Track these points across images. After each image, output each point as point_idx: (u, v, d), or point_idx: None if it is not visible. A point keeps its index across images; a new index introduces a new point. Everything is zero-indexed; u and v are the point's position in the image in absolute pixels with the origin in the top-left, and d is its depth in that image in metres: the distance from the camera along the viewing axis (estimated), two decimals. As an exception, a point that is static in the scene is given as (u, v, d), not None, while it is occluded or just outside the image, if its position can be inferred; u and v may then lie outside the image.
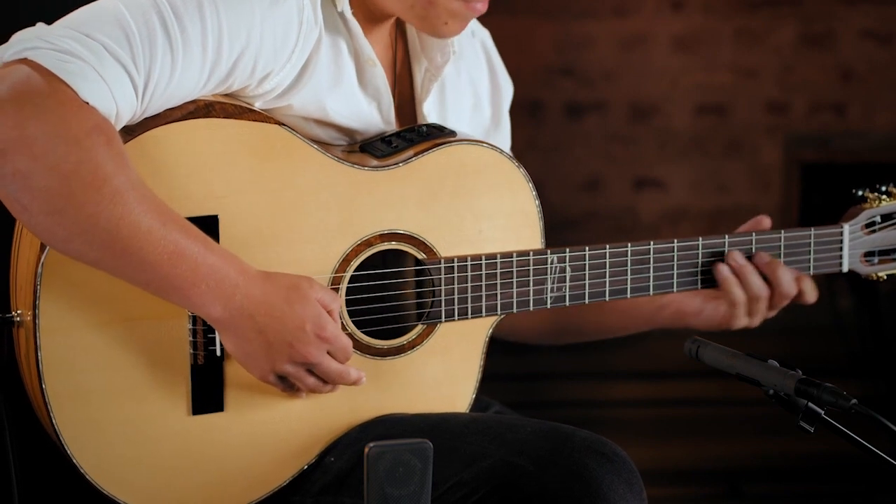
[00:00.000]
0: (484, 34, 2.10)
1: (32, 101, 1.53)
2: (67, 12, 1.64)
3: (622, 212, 4.93)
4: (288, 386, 1.73)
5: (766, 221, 2.01)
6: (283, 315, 1.66)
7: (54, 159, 1.53)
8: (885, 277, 2.10)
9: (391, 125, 1.90)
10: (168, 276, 1.60)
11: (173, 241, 1.59)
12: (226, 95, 1.75)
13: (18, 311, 1.70)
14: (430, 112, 1.96)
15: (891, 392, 4.28)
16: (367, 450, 1.48)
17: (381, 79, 1.85)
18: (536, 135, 4.91)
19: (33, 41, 1.57)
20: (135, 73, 1.59)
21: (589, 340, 2.16)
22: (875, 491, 3.70)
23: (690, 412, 4.26)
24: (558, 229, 4.50)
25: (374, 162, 1.81)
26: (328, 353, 1.70)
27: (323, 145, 1.79)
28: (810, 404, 1.58)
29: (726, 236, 1.98)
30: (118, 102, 1.59)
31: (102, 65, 1.57)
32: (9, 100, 1.53)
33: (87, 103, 1.56)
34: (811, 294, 1.99)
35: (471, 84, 2.06)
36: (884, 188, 2.07)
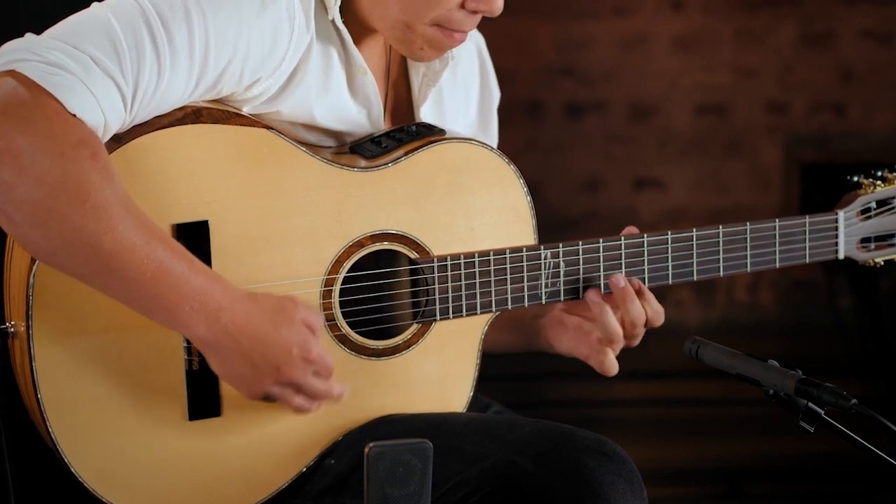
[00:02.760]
0: (479, 38, 2.10)
1: (19, 113, 1.53)
2: (67, 14, 1.64)
3: (622, 212, 4.93)
4: (266, 402, 1.71)
5: (633, 231, 1.95)
6: (268, 338, 1.64)
7: (38, 172, 1.53)
8: (882, 263, 2.10)
9: None
10: (151, 295, 1.59)
11: (157, 260, 1.58)
12: (214, 101, 1.74)
13: (12, 322, 1.70)
14: (428, 117, 1.96)
15: (891, 392, 4.29)
16: (367, 450, 1.48)
17: (371, 87, 1.85)
18: (536, 135, 4.91)
19: (21, 53, 1.56)
20: (122, 83, 1.59)
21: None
22: (875, 491, 3.70)
23: (690, 412, 4.26)
24: (558, 229, 4.50)
25: (364, 163, 1.81)
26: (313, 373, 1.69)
27: (312, 148, 1.79)
28: (810, 404, 1.58)
29: (720, 227, 1.98)
30: (106, 114, 1.59)
31: (90, 77, 1.57)
32: None
33: (74, 116, 1.56)
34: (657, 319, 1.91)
35: (464, 87, 2.06)
36: (879, 174, 2.08)
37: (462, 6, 1.76)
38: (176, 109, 1.69)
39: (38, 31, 1.63)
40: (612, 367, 1.92)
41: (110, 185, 1.57)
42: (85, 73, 1.57)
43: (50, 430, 1.66)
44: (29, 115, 1.53)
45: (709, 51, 4.93)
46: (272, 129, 1.75)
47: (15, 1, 2.16)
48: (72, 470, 1.67)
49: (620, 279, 1.88)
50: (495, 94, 2.12)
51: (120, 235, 1.56)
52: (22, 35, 1.62)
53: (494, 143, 2.13)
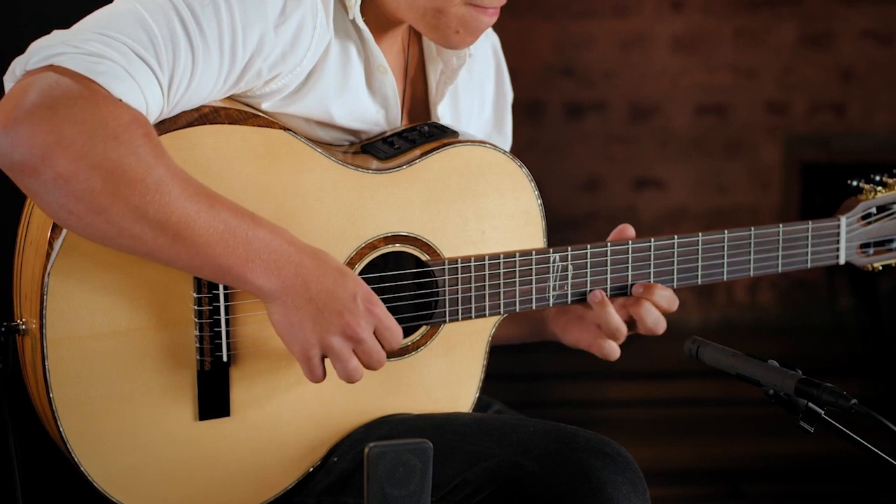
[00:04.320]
0: (494, 38, 2.10)
1: (65, 104, 1.52)
2: (69, 14, 1.64)
3: (622, 212, 4.93)
4: (316, 366, 1.69)
5: (629, 230, 1.96)
6: (335, 285, 1.65)
7: (94, 158, 1.53)
8: (881, 268, 2.11)
9: None
10: (221, 256, 1.60)
11: (223, 220, 1.60)
12: (231, 101, 1.75)
13: (23, 319, 1.70)
14: (444, 114, 1.96)
15: (891, 392, 4.29)
16: (367, 450, 1.48)
17: (390, 87, 1.85)
18: (536, 135, 4.91)
19: (58, 47, 1.56)
20: (160, 72, 1.60)
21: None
22: (875, 491, 3.70)
23: (690, 412, 4.27)
24: (559, 229, 4.50)
25: (377, 164, 1.81)
26: (375, 333, 1.69)
27: (326, 148, 1.79)
28: (810, 404, 1.58)
29: (725, 232, 1.98)
30: (148, 101, 1.59)
31: (130, 64, 1.57)
32: (40, 105, 1.52)
33: (121, 101, 1.56)
34: (672, 304, 1.95)
35: (479, 86, 2.06)
36: (878, 178, 2.08)
37: None
38: (192, 110, 1.69)
39: (39, 31, 1.62)
40: (613, 352, 1.96)
41: (165, 161, 1.58)
42: (125, 60, 1.57)
43: (61, 429, 1.66)
44: (75, 104, 1.53)
45: (709, 51, 4.93)
46: (288, 129, 1.75)
47: (16, 1, 2.16)
48: (81, 469, 1.67)
49: (596, 294, 1.92)
50: (509, 94, 2.12)
51: (184, 205, 1.57)
52: (23, 34, 1.62)
53: (509, 142, 2.13)
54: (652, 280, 1.94)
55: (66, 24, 1.63)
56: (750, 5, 4.91)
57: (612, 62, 4.92)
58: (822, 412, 1.57)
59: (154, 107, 1.60)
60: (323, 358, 1.68)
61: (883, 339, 4.54)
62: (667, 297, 1.93)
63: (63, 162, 1.52)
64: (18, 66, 1.58)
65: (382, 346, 1.70)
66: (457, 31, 1.79)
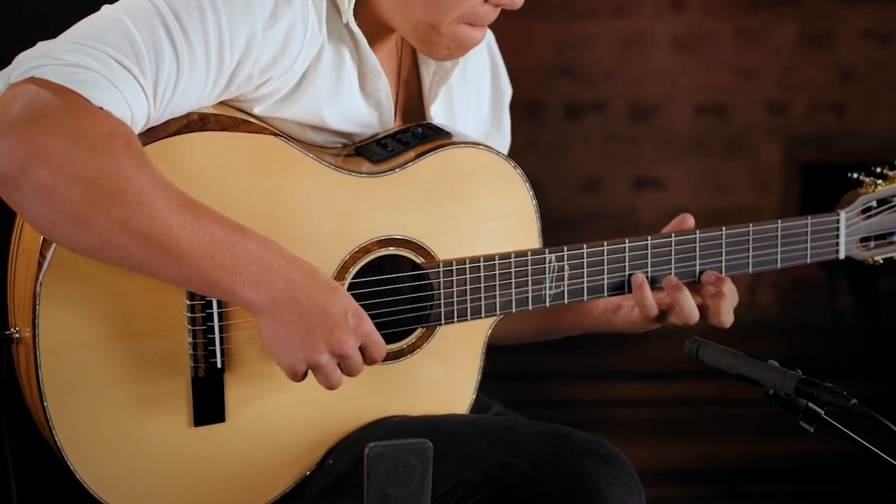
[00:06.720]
0: (489, 34, 2.10)
1: (45, 115, 1.52)
2: (68, 14, 1.64)
3: (622, 212, 4.93)
4: (300, 379, 1.69)
5: (689, 220, 1.98)
6: (325, 300, 1.64)
7: (74, 169, 1.52)
8: (882, 261, 2.10)
9: None
10: (207, 268, 1.58)
11: (208, 233, 1.58)
12: (222, 106, 1.74)
13: (17, 328, 1.70)
14: (438, 115, 1.96)
15: (891, 392, 4.29)
16: (367, 450, 1.48)
17: (384, 90, 1.85)
18: (536, 135, 4.91)
19: (39, 59, 1.56)
20: (143, 79, 1.59)
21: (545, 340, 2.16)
22: (875, 491, 3.70)
23: (690, 412, 4.27)
24: (558, 229, 4.50)
25: (370, 166, 1.80)
26: (360, 348, 1.69)
27: (318, 152, 1.79)
28: (810, 404, 1.58)
29: (723, 228, 1.98)
30: (132, 108, 1.59)
31: (112, 72, 1.57)
32: (20, 117, 1.52)
33: (102, 109, 1.55)
34: (735, 297, 1.97)
35: (475, 85, 2.06)
36: (879, 171, 2.08)
37: (486, 1, 1.76)
38: (181, 117, 1.68)
39: (39, 33, 1.62)
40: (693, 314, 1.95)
41: (148, 171, 1.56)
42: (107, 69, 1.57)
43: (56, 437, 1.65)
44: (54, 117, 1.52)
45: (709, 51, 4.93)
46: (280, 135, 1.74)
47: (16, 1, 2.16)
48: (77, 476, 1.67)
49: (671, 278, 1.92)
50: (507, 91, 2.12)
51: (167, 217, 1.56)
52: (23, 36, 1.62)
53: (507, 140, 2.13)
54: (650, 278, 1.93)
55: (66, 24, 1.63)
56: (750, 5, 4.91)
57: (612, 62, 4.92)
58: (822, 412, 1.58)
59: (139, 114, 1.60)
60: (307, 369, 1.68)
61: (883, 339, 4.54)
62: (733, 290, 1.97)
63: (43, 174, 1.51)
64: (2, 79, 1.58)
65: (364, 358, 1.70)
66: (447, 47, 1.80)
